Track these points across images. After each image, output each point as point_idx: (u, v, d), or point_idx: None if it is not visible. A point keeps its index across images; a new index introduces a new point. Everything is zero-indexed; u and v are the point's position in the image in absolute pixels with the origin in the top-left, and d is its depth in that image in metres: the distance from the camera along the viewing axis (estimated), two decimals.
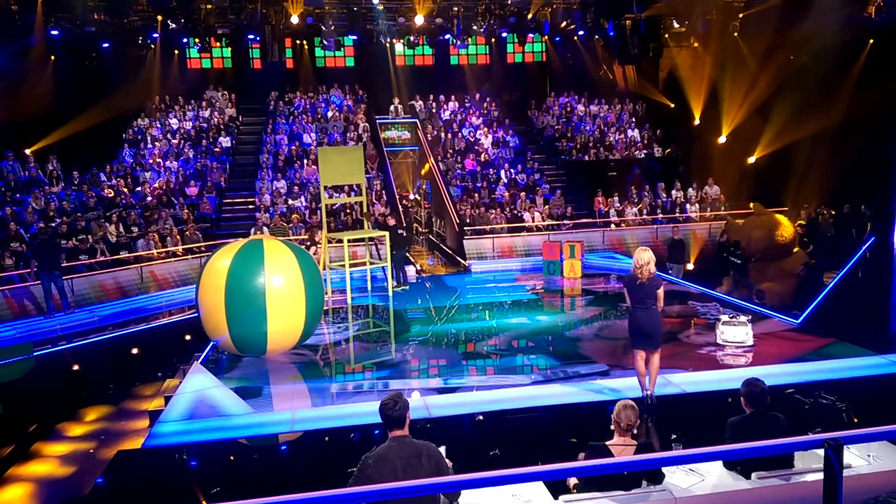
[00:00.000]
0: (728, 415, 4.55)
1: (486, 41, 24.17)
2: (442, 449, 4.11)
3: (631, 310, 6.91)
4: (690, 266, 15.04)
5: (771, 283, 12.30)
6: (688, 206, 19.16)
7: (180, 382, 8.35)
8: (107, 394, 8.40)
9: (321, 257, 13.25)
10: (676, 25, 21.01)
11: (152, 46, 21.04)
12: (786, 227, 13.14)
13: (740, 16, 20.32)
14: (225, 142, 20.83)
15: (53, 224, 14.87)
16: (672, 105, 22.31)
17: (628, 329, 7.05)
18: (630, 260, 7.55)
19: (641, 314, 6.80)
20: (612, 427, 4.30)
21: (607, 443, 4.22)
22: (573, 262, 14.87)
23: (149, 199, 17.41)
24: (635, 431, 4.23)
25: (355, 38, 22.46)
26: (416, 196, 24.22)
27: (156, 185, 18.31)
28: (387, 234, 13.69)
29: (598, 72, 24.54)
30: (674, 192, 19.54)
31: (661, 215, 18.91)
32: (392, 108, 22.94)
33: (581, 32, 22.50)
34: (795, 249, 13.24)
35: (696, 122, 21.12)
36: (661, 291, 6.77)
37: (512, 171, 20.74)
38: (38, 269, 12.46)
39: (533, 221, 18.41)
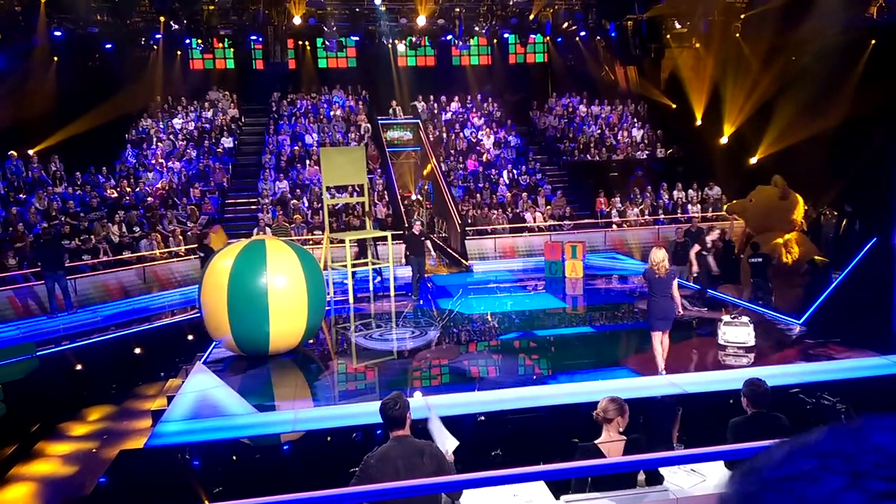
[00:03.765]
0: (730, 415, 4.56)
1: (488, 42, 24.19)
2: (455, 443, 4.05)
3: (650, 298, 7.99)
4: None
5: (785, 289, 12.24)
6: (689, 206, 19.16)
7: (183, 382, 8.35)
8: (109, 393, 8.43)
9: (322, 255, 13.27)
10: (678, 26, 21.03)
11: (155, 47, 21.09)
12: (799, 207, 13.16)
13: (742, 17, 20.32)
14: (227, 142, 20.87)
15: (56, 224, 14.91)
16: (674, 106, 22.31)
17: (648, 314, 8.16)
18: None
19: (660, 301, 7.89)
20: (598, 420, 4.26)
21: (596, 441, 4.21)
22: (575, 262, 14.87)
23: (150, 199, 17.44)
24: (621, 429, 4.22)
25: (357, 38, 22.51)
26: (418, 196, 24.23)
27: (158, 185, 18.35)
28: (388, 234, 13.69)
29: (600, 72, 24.54)
30: (675, 192, 19.54)
31: (662, 216, 18.91)
32: (400, 108, 22.96)
33: (583, 33, 22.52)
34: (795, 235, 13.13)
35: (698, 122, 21.11)
36: (675, 283, 7.92)
37: (514, 171, 20.74)
38: (42, 269, 12.50)
39: (535, 222, 18.42)
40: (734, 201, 14.48)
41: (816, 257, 12.75)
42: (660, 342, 8.04)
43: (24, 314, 12.70)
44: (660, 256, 7.79)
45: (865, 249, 15.09)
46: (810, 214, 16.88)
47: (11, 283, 13.09)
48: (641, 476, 4.13)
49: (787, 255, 12.48)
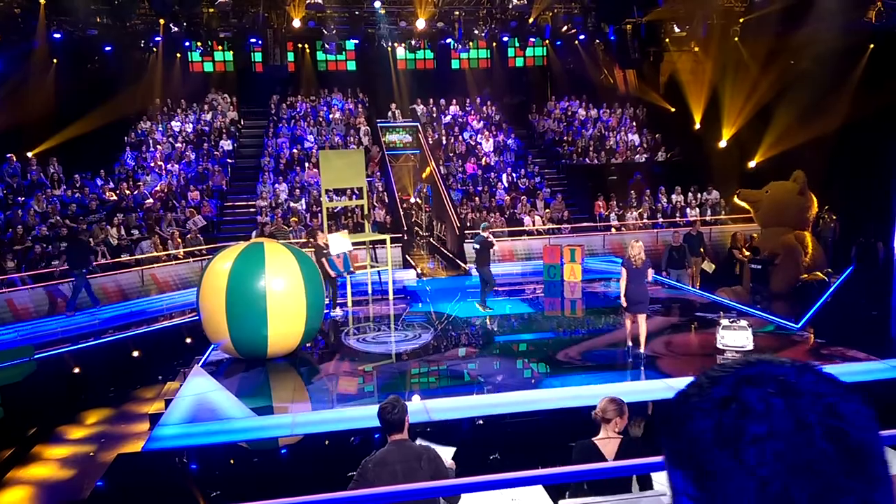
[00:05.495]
0: None
1: (488, 45, 24.22)
2: (451, 451, 4.08)
3: (628, 285, 8.87)
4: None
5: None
6: (688, 210, 19.17)
7: (181, 385, 8.35)
8: (107, 397, 8.41)
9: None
10: (677, 30, 21.07)
11: (154, 50, 21.09)
12: (814, 206, 13.28)
13: (741, 20, 20.37)
14: (226, 145, 20.86)
15: (56, 227, 14.90)
16: (673, 109, 22.34)
17: (624, 298, 8.96)
18: None
19: (636, 287, 8.84)
20: (597, 419, 4.27)
21: (593, 439, 4.22)
22: (573, 265, 14.86)
23: (149, 201, 17.42)
24: (618, 429, 4.22)
25: (357, 41, 22.54)
26: (417, 199, 24.24)
27: (157, 188, 18.34)
28: (387, 237, 13.66)
29: (599, 76, 24.58)
30: (674, 196, 19.55)
31: (661, 220, 18.91)
32: (399, 111, 22.98)
33: (582, 36, 22.55)
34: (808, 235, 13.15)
35: (697, 126, 21.13)
36: (650, 272, 8.93)
37: (513, 174, 20.76)
38: (69, 267, 12.56)
39: (533, 225, 18.42)
40: (747, 189, 14.50)
41: (804, 276, 12.80)
42: (631, 322, 9.09)
43: (23, 317, 12.67)
44: (636, 249, 8.82)
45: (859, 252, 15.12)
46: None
47: (10, 286, 13.07)
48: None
49: (805, 256, 12.58)
